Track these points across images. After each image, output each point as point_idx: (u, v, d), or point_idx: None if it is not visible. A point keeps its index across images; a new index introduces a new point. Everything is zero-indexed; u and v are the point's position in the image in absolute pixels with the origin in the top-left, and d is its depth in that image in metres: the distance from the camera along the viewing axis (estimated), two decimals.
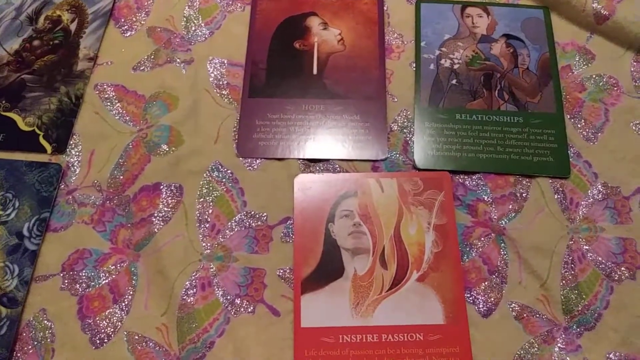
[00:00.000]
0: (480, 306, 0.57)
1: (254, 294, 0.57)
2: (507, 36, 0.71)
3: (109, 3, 0.73)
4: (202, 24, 0.72)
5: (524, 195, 0.62)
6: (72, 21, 0.72)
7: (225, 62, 0.70)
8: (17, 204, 0.60)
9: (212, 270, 0.58)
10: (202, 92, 0.67)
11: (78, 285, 0.57)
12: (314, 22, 0.72)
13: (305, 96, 0.67)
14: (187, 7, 0.73)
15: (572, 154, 0.64)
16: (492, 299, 0.57)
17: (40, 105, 0.66)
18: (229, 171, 0.63)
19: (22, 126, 0.65)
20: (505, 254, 0.59)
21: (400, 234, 0.59)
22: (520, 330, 0.56)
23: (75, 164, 0.63)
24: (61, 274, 0.58)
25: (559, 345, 0.55)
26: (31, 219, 0.59)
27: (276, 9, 0.73)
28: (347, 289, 0.56)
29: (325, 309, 0.55)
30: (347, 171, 0.63)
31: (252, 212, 0.61)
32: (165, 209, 0.61)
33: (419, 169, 0.63)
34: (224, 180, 0.62)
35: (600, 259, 0.59)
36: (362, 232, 0.59)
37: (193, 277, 0.57)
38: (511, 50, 0.70)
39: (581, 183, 0.62)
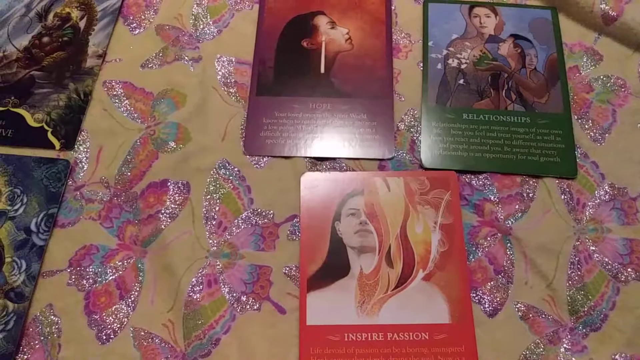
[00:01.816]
0: (486, 306, 0.57)
1: (260, 292, 0.57)
2: (515, 36, 0.71)
3: (117, 0, 0.73)
4: (211, 22, 0.73)
5: (530, 195, 0.62)
6: (81, 18, 0.72)
7: (233, 60, 0.70)
8: (25, 200, 0.60)
9: (218, 267, 0.58)
10: (210, 90, 0.67)
11: (85, 281, 0.58)
12: (321, 21, 0.72)
13: (312, 95, 0.67)
14: (195, 5, 0.74)
15: (579, 155, 0.64)
16: (498, 299, 0.57)
17: (49, 101, 0.66)
18: (236, 169, 0.63)
19: (31, 122, 0.65)
20: (511, 254, 0.59)
21: (407, 233, 0.59)
22: (525, 331, 0.56)
23: (84, 160, 0.63)
24: (68, 270, 0.58)
25: (564, 345, 0.55)
26: (39, 214, 0.59)
27: (284, 8, 0.73)
28: (352, 287, 0.56)
29: (331, 307, 0.55)
30: (353, 170, 0.63)
31: (259, 210, 0.61)
32: (173, 205, 0.61)
33: (426, 169, 0.63)
34: (231, 177, 0.63)
35: (606, 259, 0.59)
36: (369, 230, 0.59)
37: (199, 274, 0.58)
38: (519, 50, 0.70)
39: (588, 184, 0.62)
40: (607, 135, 0.65)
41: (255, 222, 0.60)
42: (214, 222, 0.60)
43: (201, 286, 0.57)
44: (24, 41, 0.70)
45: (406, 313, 0.55)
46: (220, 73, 0.69)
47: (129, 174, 0.63)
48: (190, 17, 0.73)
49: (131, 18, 0.73)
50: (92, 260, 0.58)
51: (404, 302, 0.56)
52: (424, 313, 0.55)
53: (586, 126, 0.65)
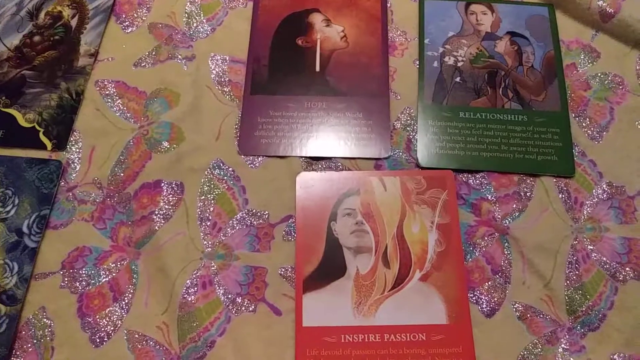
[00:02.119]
0: (484, 306, 0.56)
1: (255, 293, 0.57)
2: (512, 34, 0.70)
3: None
4: (204, 20, 0.72)
5: (528, 194, 0.61)
6: (73, 17, 0.71)
7: (227, 58, 0.69)
8: (16, 201, 0.59)
9: (213, 268, 0.57)
10: (203, 89, 0.67)
11: (78, 283, 0.57)
12: (316, 19, 0.71)
13: (307, 93, 0.66)
14: (188, 3, 0.73)
15: (576, 153, 0.63)
16: (496, 299, 0.56)
17: (40, 101, 0.65)
18: (230, 169, 0.62)
19: (22, 122, 0.64)
20: (508, 254, 0.58)
21: (403, 232, 0.58)
22: (523, 331, 0.55)
23: (76, 160, 0.63)
24: (61, 272, 0.57)
25: (562, 345, 0.55)
26: (31, 216, 0.59)
27: (279, 5, 0.72)
28: (349, 288, 0.56)
29: (327, 308, 0.55)
30: (349, 169, 0.62)
31: (254, 210, 0.60)
32: (166, 206, 0.60)
33: (422, 168, 0.62)
34: (225, 177, 0.62)
35: (604, 259, 0.58)
36: (365, 230, 0.58)
37: (194, 276, 0.57)
38: (515, 48, 0.69)
39: (586, 182, 0.62)
40: (604, 133, 0.65)
41: (250, 223, 0.60)
42: (208, 223, 0.60)
43: (196, 288, 0.56)
44: (14, 40, 0.69)
45: (403, 314, 0.55)
46: (214, 72, 0.68)
47: (122, 174, 0.62)
48: (184, 15, 0.72)
49: (123, 16, 0.72)
50: (85, 262, 0.58)
51: (400, 303, 0.55)
52: (421, 314, 0.55)
53: (584, 124, 0.65)
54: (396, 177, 0.61)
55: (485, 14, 0.72)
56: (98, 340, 0.54)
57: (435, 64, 0.68)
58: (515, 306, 0.56)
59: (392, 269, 0.57)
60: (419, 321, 0.54)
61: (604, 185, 0.62)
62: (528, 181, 0.62)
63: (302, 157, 0.63)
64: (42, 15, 0.71)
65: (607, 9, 0.69)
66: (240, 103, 0.66)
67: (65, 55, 0.68)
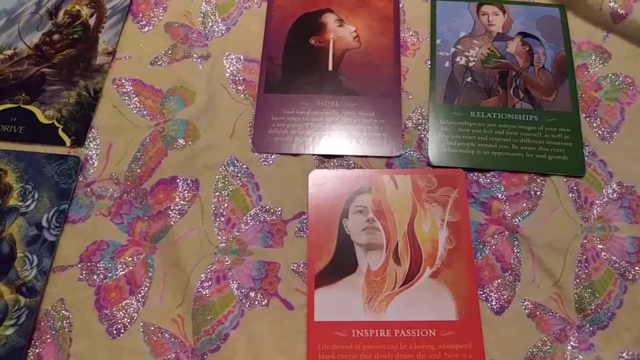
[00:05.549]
0: (493, 303, 0.57)
1: (268, 288, 0.58)
2: (523, 34, 0.71)
3: None
4: (219, 20, 0.73)
5: (538, 193, 0.62)
6: (91, 16, 0.73)
7: (242, 57, 0.70)
8: (36, 196, 0.61)
9: (227, 263, 0.59)
10: (218, 88, 0.68)
11: (95, 276, 0.58)
12: (329, 19, 0.72)
13: (320, 92, 0.67)
14: (204, 3, 0.74)
15: (587, 153, 0.64)
16: (505, 297, 0.57)
17: (59, 98, 0.67)
18: (244, 166, 0.63)
19: (42, 119, 0.66)
20: (518, 252, 0.59)
21: (414, 230, 0.59)
22: (533, 328, 0.56)
23: (94, 156, 0.64)
24: (79, 265, 0.59)
25: (571, 343, 0.55)
26: (50, 210, 0.60)
27: (292, 5, 0.73)
28: (360, 284, 0.57)
29: (339, 303, 0.56)
30: (361, 167, 0.63)
31: (267, 207, 0.61)
32: (182, 202, 0.61)
33: (433, 166, 0.63)
34: (239, 174, 0.63)
35: (614, 258, 0.59)
36: (376, 228, 0.59)
37: (208, 270, 0.58)
38: (527, 48, 0.70)
39: (596, 182, 0.62)
40: (615, 133, 0.65)
41: (264, 219, 0.61)
42: (222, 219, 0.61)
43: (210, 282, 0.58)
44: (34, 38, 0.71)
45: (413, 310, 0.55)
46: (228, 71, 0.69)
47: (139, 170, 0.63)
48: (199, 14, 0.73)
49: (140, 15, 0.73)
50: (103, 256, 0.59)
51: (411, 299, 0.56)
52: (431, 310, 0.55)
53: (594, 124, 0.65)
54: (407, 175, 0.62)
55: (496, 14, 0.72)
56: (115, 332, 0.56)
57: (447, 64, 0.69)
58: (524, 304, 0.57)
59: (403, 265, 0.57)
60: (429, 317, 0.55)
61: (614, 185, 0.62)
62: (538, 180, 0.62)
63: (314, 155, 0.64)
64: (61, 14, 0.73)
65: (619, 10, 0.69)
66: (254, 101, 0.67)
67: (83, 54, 0.70)
